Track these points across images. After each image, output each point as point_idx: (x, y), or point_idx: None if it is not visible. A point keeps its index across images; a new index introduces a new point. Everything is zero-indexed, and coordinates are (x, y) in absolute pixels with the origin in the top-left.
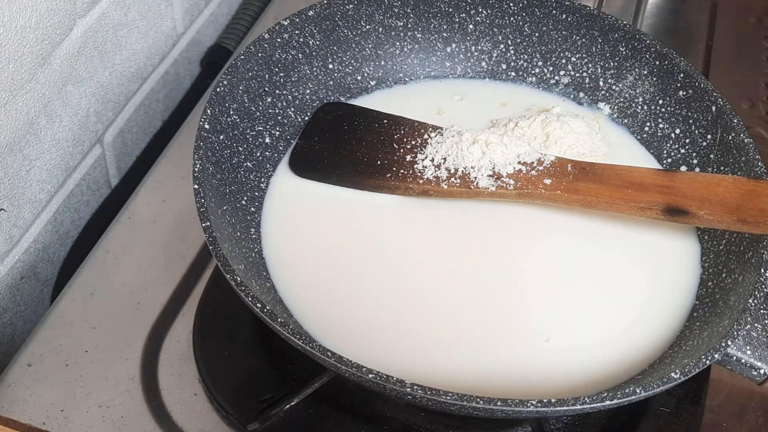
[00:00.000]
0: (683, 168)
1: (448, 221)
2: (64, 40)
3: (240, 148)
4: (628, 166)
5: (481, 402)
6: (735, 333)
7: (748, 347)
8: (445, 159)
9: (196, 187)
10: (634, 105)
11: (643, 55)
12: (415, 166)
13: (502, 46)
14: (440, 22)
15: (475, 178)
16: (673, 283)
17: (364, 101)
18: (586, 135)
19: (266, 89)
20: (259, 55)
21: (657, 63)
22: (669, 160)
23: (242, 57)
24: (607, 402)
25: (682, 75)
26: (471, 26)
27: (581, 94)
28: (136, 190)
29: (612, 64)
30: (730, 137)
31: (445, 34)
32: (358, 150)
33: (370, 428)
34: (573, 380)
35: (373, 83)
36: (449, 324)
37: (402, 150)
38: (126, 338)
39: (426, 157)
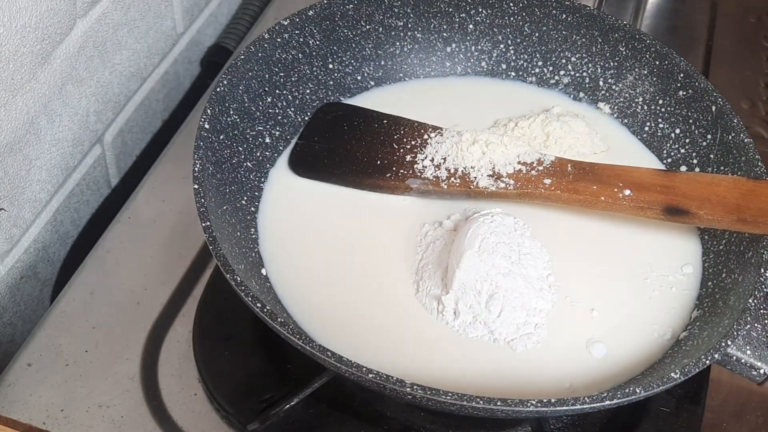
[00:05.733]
0: (683, 168)
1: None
2: (64, 39)
3: (240, 148)
4: (628, 166)
5: (481, 402)
6: (735, 333)
7: (748, 347)
8: (444, 159)
9: (196, 187)
10: (634, 105)
11: (643, 55)
12: (415, 166)
13: (502, 45)
14: (440, 22)
15: (475, 178)
16: (673, 283)
17: (363, 101)
18: (586, 135)
19: (266, 89)
20: (259, 55)
21: (657, 63)
22: (669, 159)
23: (242, 57)
24: (607, 402)
25: (682, 75)
26: (471, 26)
27: (581, 94)
28: (136, 190)
29: (612, 64)
30: (730, 137)
31: (445, 34)
32: (358, 150)
33: (370, 428)
34: (573, 380)
35: (372, 83)
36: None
37: (402, 150)
38: (126, 338)
39: (426, 157)
